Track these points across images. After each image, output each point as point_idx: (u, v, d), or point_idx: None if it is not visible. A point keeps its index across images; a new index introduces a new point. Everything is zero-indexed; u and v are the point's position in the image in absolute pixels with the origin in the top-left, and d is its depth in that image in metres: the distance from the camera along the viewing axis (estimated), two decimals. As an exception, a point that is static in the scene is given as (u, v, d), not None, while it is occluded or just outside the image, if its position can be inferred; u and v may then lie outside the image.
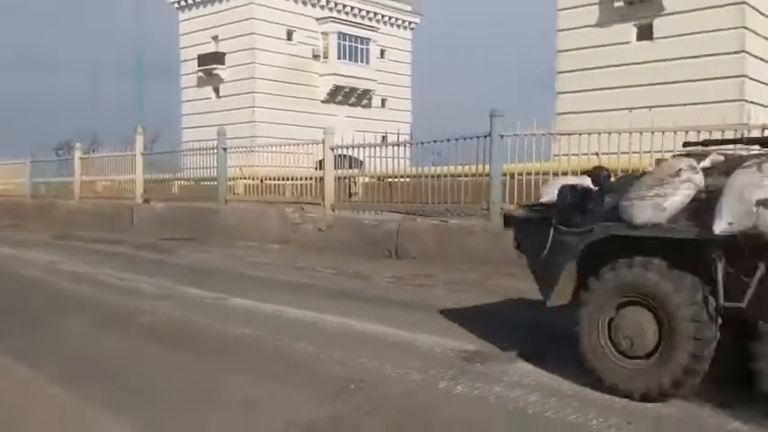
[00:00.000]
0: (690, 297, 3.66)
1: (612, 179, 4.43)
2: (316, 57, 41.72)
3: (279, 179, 14.49)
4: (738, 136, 7.75)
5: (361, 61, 42.81)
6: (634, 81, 23.11)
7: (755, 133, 8.65)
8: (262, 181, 14.60)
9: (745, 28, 22.49)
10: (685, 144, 5.15)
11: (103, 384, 4.35)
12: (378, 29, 44.58)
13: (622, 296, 3.88)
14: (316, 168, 13.37)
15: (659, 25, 23.63)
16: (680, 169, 3.78)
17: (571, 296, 4.26)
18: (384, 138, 9.33)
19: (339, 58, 42.03)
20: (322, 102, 41.40)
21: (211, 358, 4.99)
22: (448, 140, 10.73)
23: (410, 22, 47.41)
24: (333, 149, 12.46)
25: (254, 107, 38.82)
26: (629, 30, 24.43)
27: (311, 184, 13.08)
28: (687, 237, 3.70)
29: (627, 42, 24.31)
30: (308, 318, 6.18)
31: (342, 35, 42.33)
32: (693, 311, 3.63)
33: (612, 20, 24.39)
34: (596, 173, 4.38)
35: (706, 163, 3.93)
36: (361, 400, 3.94)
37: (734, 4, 22.29)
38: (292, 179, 13.81)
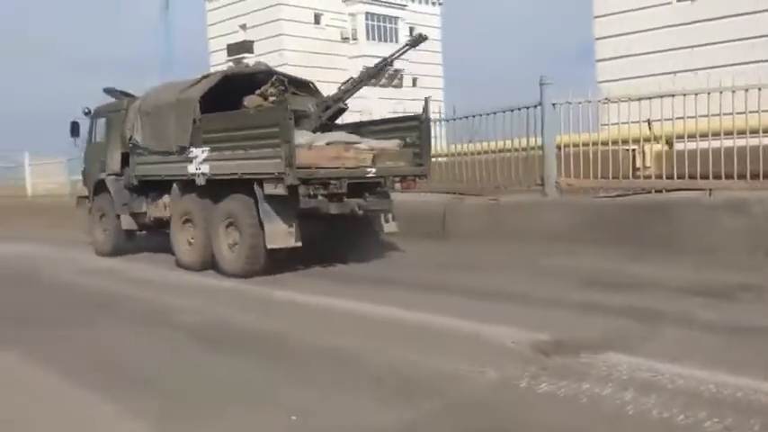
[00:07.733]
0: None
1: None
2: (344, 39, 41.30)
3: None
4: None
5: (390, 41, 42.08)
6: (676, 43, 22.13)
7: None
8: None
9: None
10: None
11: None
12: (406, 6, 43.86)
13: None
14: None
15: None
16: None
17: None
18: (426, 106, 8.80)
19: (368, 38, 41.51)
20: (353, 85, 40.77)
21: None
22: (494, 113, 10.12)
23: (438, -2, 46.68)
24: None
25: (284, 94, 38.39)
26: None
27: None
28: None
29: (668, 3, 23.31)
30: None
31: (370, 15, 41.78)
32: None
33: (651, -20, 23.38)
34: None
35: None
36: (433, 406, 3.47)
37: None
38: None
